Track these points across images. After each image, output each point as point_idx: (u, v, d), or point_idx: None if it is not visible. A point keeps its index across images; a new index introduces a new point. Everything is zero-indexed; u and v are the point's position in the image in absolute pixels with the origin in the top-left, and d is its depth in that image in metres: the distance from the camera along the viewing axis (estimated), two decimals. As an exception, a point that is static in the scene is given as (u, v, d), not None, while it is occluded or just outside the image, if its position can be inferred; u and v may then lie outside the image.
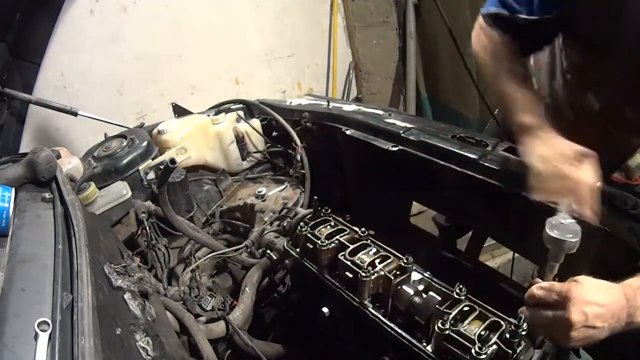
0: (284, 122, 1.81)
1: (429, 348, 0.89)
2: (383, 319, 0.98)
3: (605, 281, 0.80)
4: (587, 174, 0.95)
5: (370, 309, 1.01)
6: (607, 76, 1.13)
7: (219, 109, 1.95)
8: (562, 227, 0.81)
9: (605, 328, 0.77)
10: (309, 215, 1.23)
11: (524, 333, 0.81)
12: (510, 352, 0.81)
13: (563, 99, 1.29)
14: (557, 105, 1.31)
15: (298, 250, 1.19)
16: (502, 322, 0.86)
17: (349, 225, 1.18)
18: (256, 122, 1.91)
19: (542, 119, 1.07)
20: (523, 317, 0.82)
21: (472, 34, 1.23)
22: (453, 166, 1.28)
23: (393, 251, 1.07)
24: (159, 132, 1.68)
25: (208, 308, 1.21)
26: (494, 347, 0.82)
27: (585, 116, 1.24)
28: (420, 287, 1.00)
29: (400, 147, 1.41)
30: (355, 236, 1.13)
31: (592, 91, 1.20)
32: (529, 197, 1.01)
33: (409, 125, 1.48)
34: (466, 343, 0.82)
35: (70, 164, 1.45)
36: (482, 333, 0.84)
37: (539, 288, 0.80)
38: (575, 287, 0.76)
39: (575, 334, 0.75)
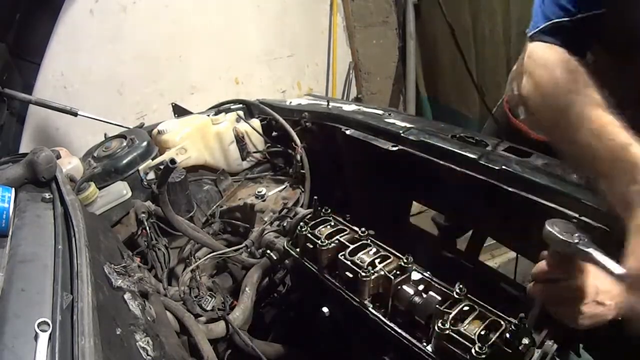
0: (283, 122, 1.81)
1: (429, 348, 0.89)
2: (383, 318, 0.98)
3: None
4: None
5: (370, 308, 1.01)
6: (623, 76, 1.08)
7: (219, 109, 1.95)
8: (563, 226, 0.81)
9: (612, 306, 0.76)
10: (309, 215, 1.23)
11: (524, 333, 0.81)
12: (510, 352, 0.81)
13: None
14: None
15: (298, 250, 1.19)
16: (502, 322, 0.86)
17: (349, 225, 1.18)
18: (256, 122, 1.91)
19: None
20: (523, 317, 0.82)
21: (525, 67, 0.99)
22: (453, 166, 1.28)
23: (393, 251, 1.07)
24: (159, 132, 1.68)
25: (208, 308, 1.21)
26: (494, 347, 0.81)
27: None
28: (420, 287, 1.00)
29: (400, 147, 1.41)
30: (355, 236, 1.13)
31: (610, 91, 1.16)
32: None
33: (408, 125, 1.48)
34: (466, 343, 0.82)
35: (70, 164, 1.45)
36: (482, 333, 0.84)
37: (549, 262, 0.79)
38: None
39: (585, 308, 0.75)
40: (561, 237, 0.77)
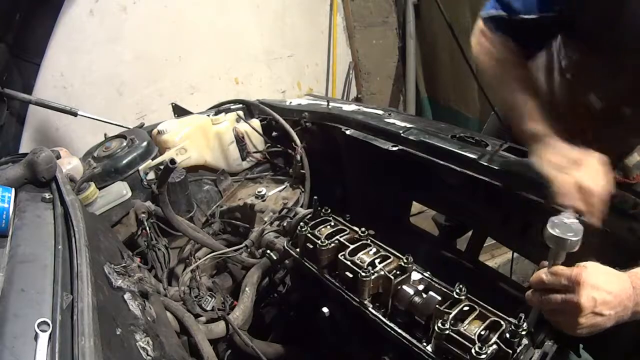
0: (283, 122, 1.81)
1: (429, 348, 0.89)
2: (383, 318, 0.98)
3: (612, 269, 0.80)
4: (597, 178, 0.93)
5: (370, 308, 1.01)
6: (610, 75, 1.12)
7: (219, 109, 1.95)
8: (564, 226, 0.81)
9: (612, 316, 0.76)
10: (309, 215, 1.23)
11: (524, 333, 0.81)
12: (510, 352, 0.81)
13: (561, 98, 1.29)
14: (554, 105, 1.31)
15: (298, 250, 1.19)
16: (502, 322, 0.86)
17: (349, 225, 1.18)
18: (256, 122, 1.91)
19: (549, 126, 1.05)
20: (523, 317, 0.82)
21: (472, 38, 1.21)
22: (453, 166, 1.28)
23: (393, 251, 1.07)
24: (159, 132, 1.68)
25: (208, 308, 1.21)
26: (494, 347, 0.81)
27: (585, 116, 1.24)
28: (420, 287, 1.00)
29: (400, 147, 1.41)
30: (355, 236, 1.13)
31: (595, 90, 1.19)
32: (548, 203, 0.98)
33: (408, 125, 1.48)
34: (466, 343, 0.82)
35: (70, 165, 1.45)
36: (482, 333, 0.84)
37: (547, 273, 0.80)
38: (585, 271, 0.76)
39: (583, 320, 0.75)
40: (567, 237, 0.78)
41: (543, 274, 0.80)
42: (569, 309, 0.76)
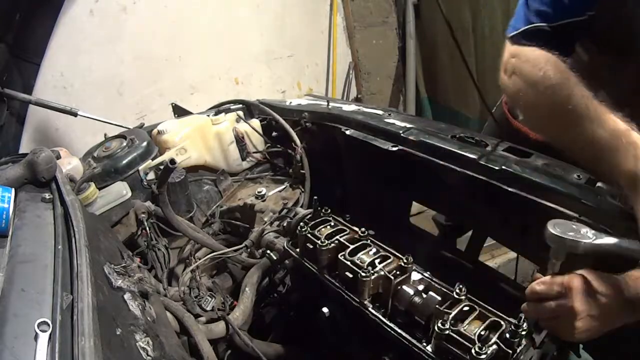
0: (283, 122, 1.81)
1: (429, 348, 0.89)
2: (383, 319, 0.98)
3: (606, 273, 0.80)
4: None
5: (370, 309, 1.01)
6: (615, 76, 1.10)
7: (219, 109, 1.95)
8: (565, 226, 0.81)
9: (608, 319, 0.76)
10: (309, 215, 1.23)
11: (524, 333, 0.81)
12: (510, 352, 0.81)
13: None
14: None
15: (298, 250, 1.19)
16: (502, 322, 0.86)
17: (349, 225, 1.18)
18: (256, 122, 1.91)
19: None
20: (523, 317, 0.82)
21: (501, 72, 1.05)
22: (453, 166, 1.28)
23: (393, 251, 1.07)
24: (159, 133, 1.68)
25: (208, 308, 1.21)
26: (494, 347, 0.81)
27: None
28: (420, 287, 1.00)
29: (400, 147, 1.41)
30: (355, 236, 1.13)
31: (602, 91, 1.18)
32: None
33: (408, 125, 1.48)
34: (466, 343, 0.82)
35: (70, 165, 1.45)
36: (482, 333, 0.84)
37: (539, 283, 0.80)
38: (577, 277, 0.76)
39: (579, 324, 0.75)
40: (568, 237, 0.77)
41: (536, 285, 0.81)
42: (564, 315, 0.76)
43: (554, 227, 0.80)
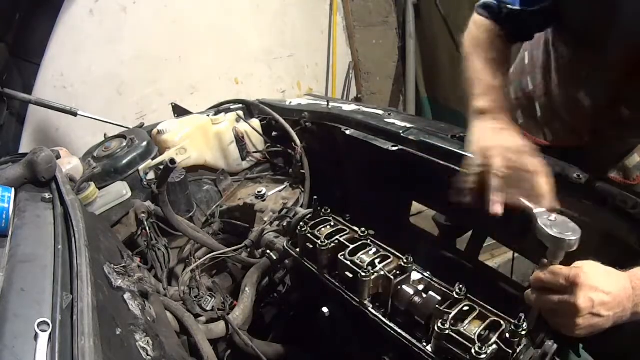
0: (283, 122, 1.81)
1: (429, 348, 0.89)
2: (383, 319, 0.98)
3: (611, 269, 0.79)
4: (534, 163, 0.92)
5: (370, 309, 1.01)
6: (596, 72, 1.12)
7: (219, 109, 1.95)
8: (562, 225, 0.81)
9: (610, 317, 0.76)
10: (309, 215, 1.23)
11: (524, 333, 0.81)
12: (510, 352, 0.81)
13: (558, 98, 1.29)
14: (552, 104, 1.31)
15: (298, 250, 1.19)
16: (502, 322, 0.86)
17: (349, 225, 1.18)
18: (256, 122, 1.91)
19: (499, 105, 1.03)
20: (523, 317, 0.82)
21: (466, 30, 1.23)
22: (453, 166, 1.28)
23: (393, 251, 1.07)
24: (159, 132, 1.68)
25: (208, 308, 1.21)
26: (494, 347, 0.81)
27: (581, 115, 1.24)
28: (420, 287, 1.00)
29: (400, 147, 1.41)
30: (355, 236, 1.13)
31: (584, 87, 1.18)
32: (456, 197, 0.99)
33: (408, 125, 1.48)
34: (466, 343, 0.82)
35: (70, 164, 1.45)
36: (482, 333, 0.84)
37: (546, 272, 0.79)
38: (583, 272, 0.75)
39: (580, 321, 0.75)
40: (566, 237, 0.78)
41: (542, 273, 0.80)
42: (566, 310, 0.76)
43: (551, 228, 0.80)
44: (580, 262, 0.79)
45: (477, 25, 1.19)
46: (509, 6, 1.11)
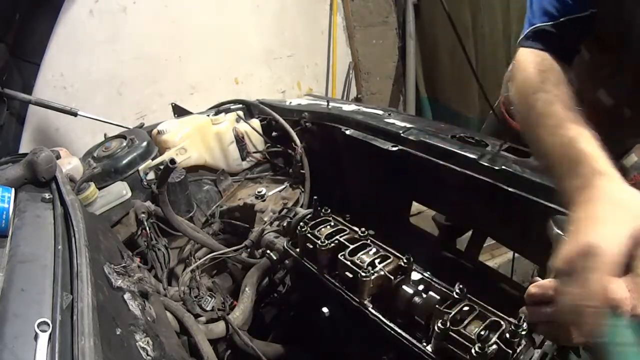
0: (283, 122, 1.81)
1: (429, 348, 0.89)
2: (383, 319, 0.98)
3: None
4: None
5: (370, 309, 1.01)
6: (616, 73, 1.10)
7: (219, 109, 1.95)
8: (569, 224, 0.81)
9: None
10: (309, 215, 1.23)
11: (524, 333, 0.81)
12: (510, 352, 0.81)
13: None
14: None
15: (298, 250, 1.19)
16: (502, 322, 0.86)
17: (349, 225, 1.18)
18: (256, 122, 1.91)
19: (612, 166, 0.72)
20: (523, 317, 0.82)
21: (511, 76, 1.03)
22: (453, 166, 1.28)
23: (393, 251, 1.07)
24: (159, 133, 1.68)
25: (208, 308, 1.21)
26: (494, 347, 0.81)
27: (590, 117, 1.23)
28: (420, 287, 1.00)
29: (400, 147, 1.41)
30: (355, 236, 1.13)
31: (603, 88, 1.16)
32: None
33: (408, 125, 1.48)
34: (466, 343, 0.82)
35: (70, 165, 1.45)
36: (482, 333, 0.84)
37: (536, 286, 0.80)
38: None
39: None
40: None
41: (532, 287, 0.80)
42: (560, 321, 0.75)
43: (559, 226, 0.80)
44: None
45: (531, 59, 0.95)
46: (570, 16, 0.94)
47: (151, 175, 1.61)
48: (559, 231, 0.79)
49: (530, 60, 0.96)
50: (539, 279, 0.82)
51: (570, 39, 0.99)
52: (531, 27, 1.01)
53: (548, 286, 0.77)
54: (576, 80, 1.20)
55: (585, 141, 0.75)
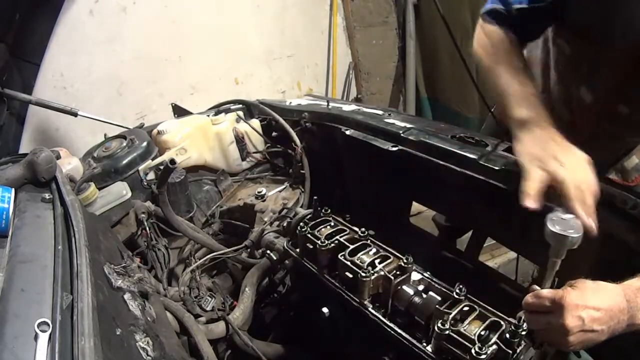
0: (283, 122, 1.81)
1: (429, 348, 0.89)
2: (383, 319, 0.98)
3: (605, 282, 0.79)
4: (581, 175, 0.90)
5: (370, 309, 1.01)
6: (598, 67, 1.12)
7: (219, 109, 1.95)
8: (564, 223, 0.81)
9: (604, 331, 0.76)
10: (309, 216, 1.23)
11: (524, 333, 0.81)
12: (510, 352, 0.81)
13: (557, 95, 1.28)
14: (552, 102, 1.31)
15: (298, 250, 1.19)
16: (502, 322, 0.86)
17: (349, 225, 1.18)
18: (256, 123, 1.91)
19: (540, 112, 1.01)
20: (523, 317, 0.82)
21: (474, 37, 1.21)
22: (453, 166, 1.28)
23: (393, 251, 1.07)
24: (159, 133, 1.68)
25: (208, 308, 1.21)
26: (494, 347, 0.82)
27: (580, 113, 1.23)
28: (420, 287, 1.00)
29: (400, 147, 1.41)
30: (355, 236, 1.13)
31: (585, 84, 1.18)
32: (520, 202, 0.92)
33: (408, 125, 1.48)
34: (466, 343, 0.82)
35: (70, 165, 1.45)
36: (482, 333, 0.84)
37: (532, 296, 0.80)
38: (569, 293, 0.75)
39: (572, 338, 0.75)
40: (569, 234, 0.78)
41: (529, 296, 0.80)
42: (556, 330, 0.76)
43: (553, 225, 0.80)
44: (571, 282, 0.79)
45: (488, 34, 1.16)
46: (517, 6, 1.10)
47: (151, 176, 1.61)
48: (555, 230, 0.79)
49: (488, 35, 1.17)
50: (537, 287, 0.82)
51: (524, 25, 1.14)
52: (488, 6, 1.17)
53: (545, 296, 0.77)
54: (561, 78, 1.22)
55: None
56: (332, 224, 1.19)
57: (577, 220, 0.82)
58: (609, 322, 0.76)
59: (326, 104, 1.83)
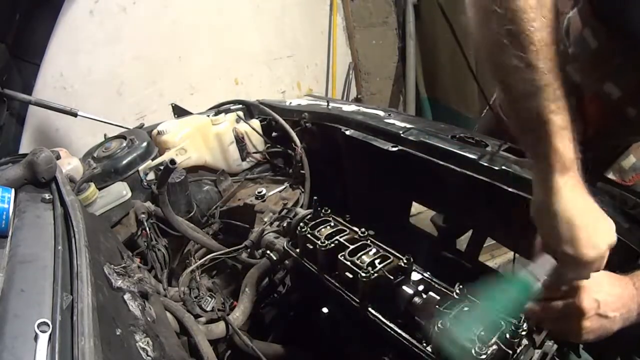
0: (283, 122, 1.81)
1: (429, 348, 0.89)
2: (383, 319, 0.98)
3: (612, 273, 0.79)
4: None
5: (370, 309, 1.01)
6: (632, 64, 1.03)
7: (219, 109, 1.95)
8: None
9: (617, 318, 0.76)
10: (309, 216, 1.23)
11: (524, 333, 0.81)
12: (510, 352, 0.81)
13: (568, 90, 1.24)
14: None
15: (298, 250, 1.19)
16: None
17: (349, 225, 1.18)
18: (256, 123, 1.91)
19: (577, 151, 0.74)
20: (523, 317, 0.82)
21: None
22: (453, 166, 1.28)
23: (393, 251, 1.07)
24: (159, 133, 1.68)
25: (208, 309, 1.21)
26: (494, 347, 0.81)
27: (594, 109, 1.19)
28: (420, 287, 1.00)
29: (400, 147, 1.41)
30: (355, 236, 1.13)
31: (612, 79, 1.09)
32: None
33: (408, 126, 1.48)
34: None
35: (70, 165, 1.45)
36: (482, 333, 0.84)
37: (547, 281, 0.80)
38: None
39: (588, 323, 0.74)
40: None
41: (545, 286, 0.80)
42: (572, 314, 0.75)
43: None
44: None
45: None
46: None
47: (151, 176, 1.61)
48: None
49: None
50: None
51: None
52: None
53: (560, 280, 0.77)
54: (579, 73, 1.16)
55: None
56: (332, 224, 1.18)
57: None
58: (621, 308, 0.76)
59: (326, 104, 1.83)
